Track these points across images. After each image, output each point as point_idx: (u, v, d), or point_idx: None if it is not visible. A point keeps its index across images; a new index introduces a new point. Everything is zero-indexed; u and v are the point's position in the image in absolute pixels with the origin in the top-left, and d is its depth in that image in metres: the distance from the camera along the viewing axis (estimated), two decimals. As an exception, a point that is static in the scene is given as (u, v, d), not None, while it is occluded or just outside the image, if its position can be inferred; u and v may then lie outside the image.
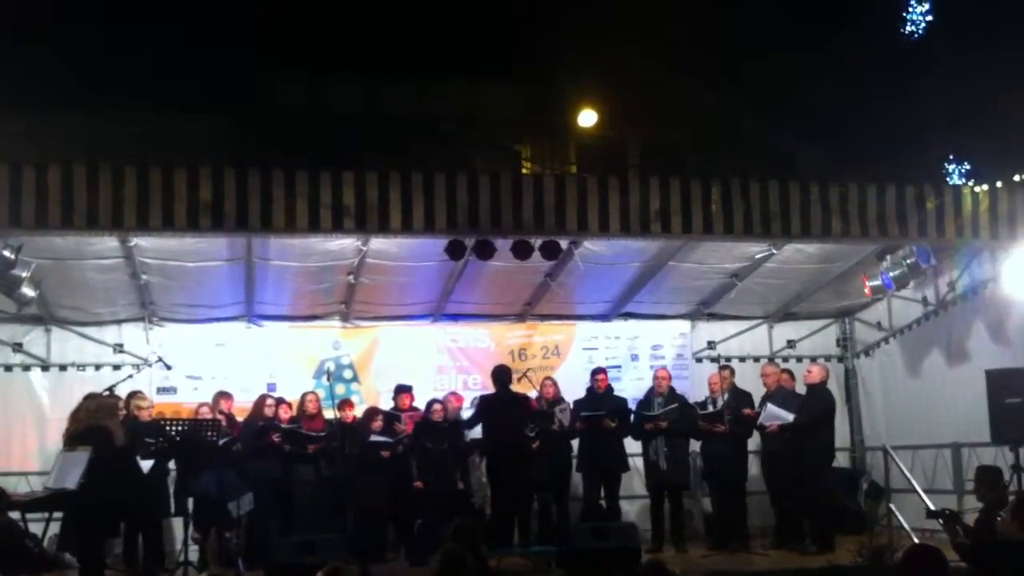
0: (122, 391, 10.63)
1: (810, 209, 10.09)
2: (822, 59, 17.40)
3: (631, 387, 12.39)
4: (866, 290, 11.52)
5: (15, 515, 8.59)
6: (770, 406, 10.68)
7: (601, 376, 11.54)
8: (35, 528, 8.82)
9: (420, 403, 11.43)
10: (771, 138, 17.66)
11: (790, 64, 17.64)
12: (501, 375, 10.94)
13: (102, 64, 16.64)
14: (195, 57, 17.09)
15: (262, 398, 11.05)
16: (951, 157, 17.41)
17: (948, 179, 16.65)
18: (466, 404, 11.73)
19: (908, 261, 10.81)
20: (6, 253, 9.22)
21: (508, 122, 20.37)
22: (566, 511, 11.25)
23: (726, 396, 11.08)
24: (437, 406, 11.22)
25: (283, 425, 10.68)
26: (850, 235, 10.25)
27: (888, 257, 11.01)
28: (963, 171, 17.11)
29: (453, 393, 11.75)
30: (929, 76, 16.67)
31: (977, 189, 10.44)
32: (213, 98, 17.82)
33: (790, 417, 10.61)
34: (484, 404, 11.00)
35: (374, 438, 10.77)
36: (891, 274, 10.98)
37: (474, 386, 12.35)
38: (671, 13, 18.33)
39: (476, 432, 11.23)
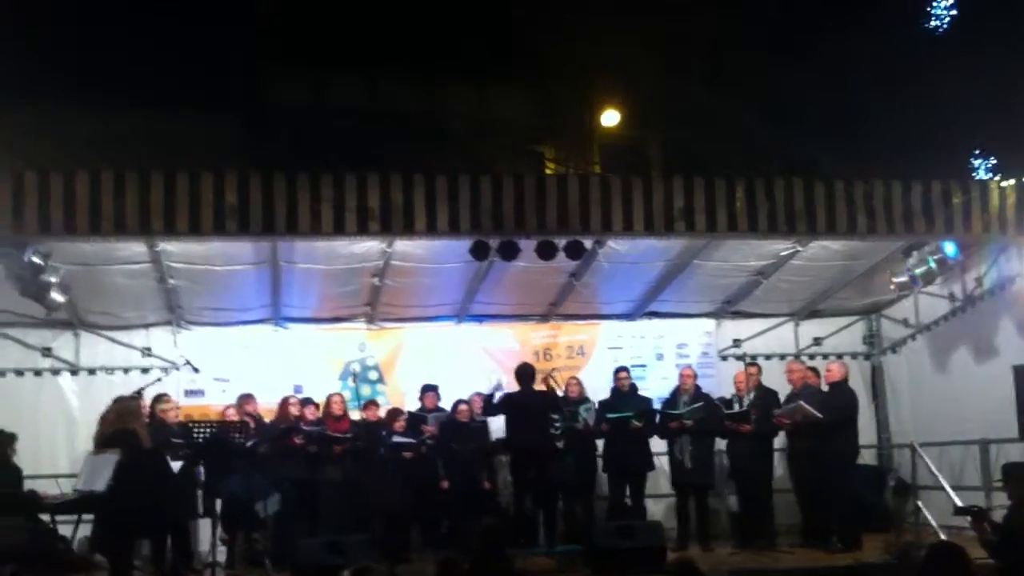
0: (151, 394, 10.73)
1: (835, 206, 10.04)
2: (846, 56, 17.33)
3: (656, 386, 12.38)
4: (892, 286, 11.47)
5: (45, 517, 8.68)
6: (802, 403, 10.62)
7: (622, 374, 11.54)
8: (64, 530, 8.91)
9: (446, 403, 11.46)
10: (795, 138, 17.58)
11: (814, 62, 17.57)
12: (524, 373, 10.93)
13: (104, 63, 16.71)
14: (199, 56, 17.16)
15: (287, 399, 11.12)
16: (977, 152, 17.32)
17: (974, 174, 16.56)
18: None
19: (935, 257, 10.75)
20: (35, 259, 9.32)
21: (530, 124, 20.39)
22: (591, 510, 11.25)
23: (752, 395, 11.04)
24: (463, 406, 11.26)
25: (306, 427, 10.73)
26: (876, 232, 10.20)
27: (915, 253, 10.96)
28: (989, 166, 17.02)
29: (478, 394, 11.76)
30: (954, 71, 16.56)
31: (1004, 184, 10.37)
32: (217, 98, 17.89)
33: (819, 414, 10.55)
34: (508, 400, 10.99)
35: (396, 439, 10.81)
36: (917, 270, 10.93)
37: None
38: (692, 15, 18.33)
39: (502, 431, 11.23)
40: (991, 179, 11.94)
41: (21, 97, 15.34)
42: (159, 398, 10.75)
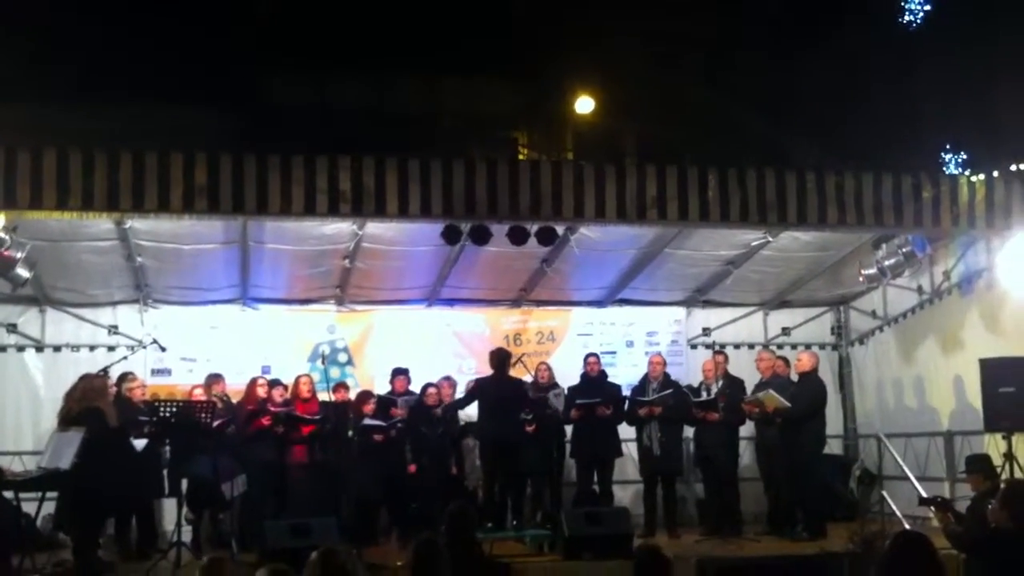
0: (117, 372, 10.63)
1: (806, 197, 10.07)
2: (819, 50, 17.40)
3: (626, 373, 12.40)
4: (861, 278, 11.54)
5: (9, 494, 8.59)
6: (771, 392, 10.68)
7: (592, 359, 11.56)
8: (28, 508, 8.83)
9: (415, 387, 11.44)
10: (767, 130, 17.65)
11: (786, 55, 17.64)
12: (500, 358, 10.90)
13: (101, 59, 16.61)
14: (195, 53, 17.08)
15: (255, 380, 11.05)
16: (947, 147, 17.43)
17: (944, 168, 16.67)
18: (459, 390, 11.71)
19: (904, 250, 10.82)
20: (1, 234, 9.20)
21: (504, 111, 20.37)
22: (559, 496, 11.28)
23: (720, 383, 11.09)
24: (431, 390, 11.23)
25: (274, 409, 10.67)
26: (846, 223, 10.24)
27: (884, 246, 11.03)
28: (959, 161, 17.14)
29: (447, 378, 11.74)
30: (926, 66, 16.68)
31: (973, 179, 10.44)
32: (212, 94, 17.81)
33: (788, 404, 10.61)
34: (478, 386, 10.99)
35: (367, 422, 10.78)
36: (886, 263, 11.00)
37: (469, 371, 12.35)
38: (670, 8, 18.36)
39: (470, 416, 11.23)
40: (961, 173, 12.01)
41: (20, 95, 15.23)
42: (125, 376, 10.64)
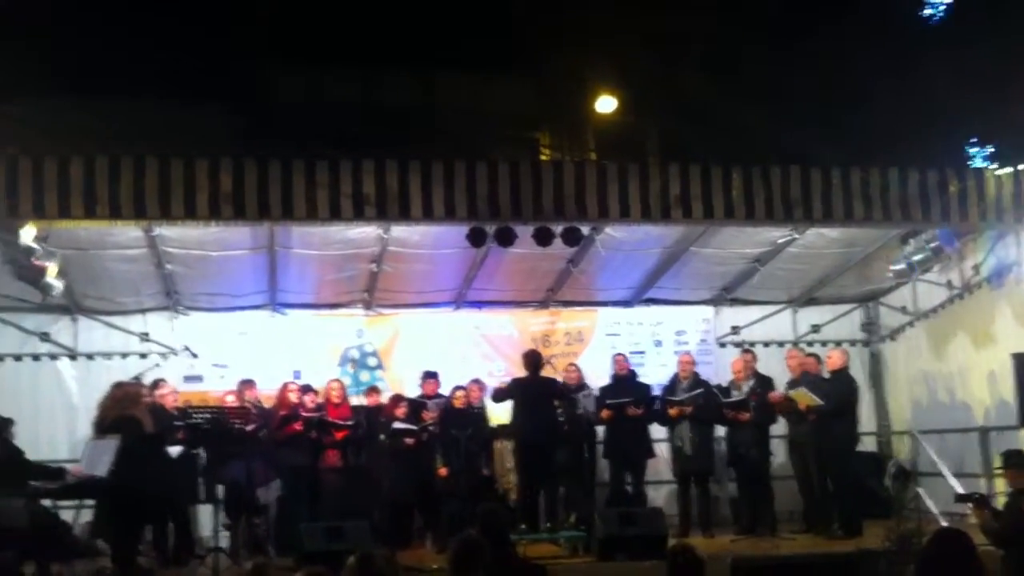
0: (149, 380, 10.71)
1: (832, 194, 10.03)
2: (844, 44, 17.30)
3: (655, 373, 12.39)
4: (890, 274, 11.47)
5: (47, 503, 8.66)
6: (804, 389, 10.63)
7: (620, 358, 11.57)
8: (66, 516, 8.90)
9: (445, 389, 11.46)
10: (792, 126, 17.56)
11: (811, 50, 17.54)
12: (533, 359, 10.93)
13: (102, 56, 16.67)
14: (197, 50, 17.12)
15: (286, 385, 11.10)
16: (973, 141, 17.30)
17: (970, 163, 16.54)
18: (488, 393, 11.72)
19: (931, 245, 10.75)
20: (31, 244, 9.28)
21: (524, 112, 20.35)
22: (593, 497, 11.26)
23: (751, 382, 11.04)
24: (459, 393, 11.24)
25: (306, 414, 10.71)
26: (872, 219, 10.19)
27: (912, 241, 10.96)
28: (986, 154, 17.01)
29: (476, 380, 11.75)
30: (950, 59, 16.55)
31: (1000, 172, 10.36)
32: (214, 91, 17.87)
33: (821, 401, 10.56)
34: (516, 384, 10.99)
35: (398, 425, 10.81)
36: (915, 258, 10.93)
37: (498, 373, 12.36)
38: (690, 4, 18.31)
39: (501, 418, 11.23)
40: (987, 167, 11.91)
41: (21, 92, 15.32)
42: (156, 383, 10.73)
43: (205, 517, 10.34)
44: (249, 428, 9.93)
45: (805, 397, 10.56)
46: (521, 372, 11.03)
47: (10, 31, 14.79)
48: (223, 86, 17.94)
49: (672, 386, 11.36)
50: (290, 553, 9.12)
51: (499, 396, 11.13)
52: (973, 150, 17.38)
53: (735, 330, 13.00)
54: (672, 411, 11.06)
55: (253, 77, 18.87)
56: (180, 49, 16.91)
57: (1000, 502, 8.03)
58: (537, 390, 10.74)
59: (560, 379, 11.34)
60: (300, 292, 12.05)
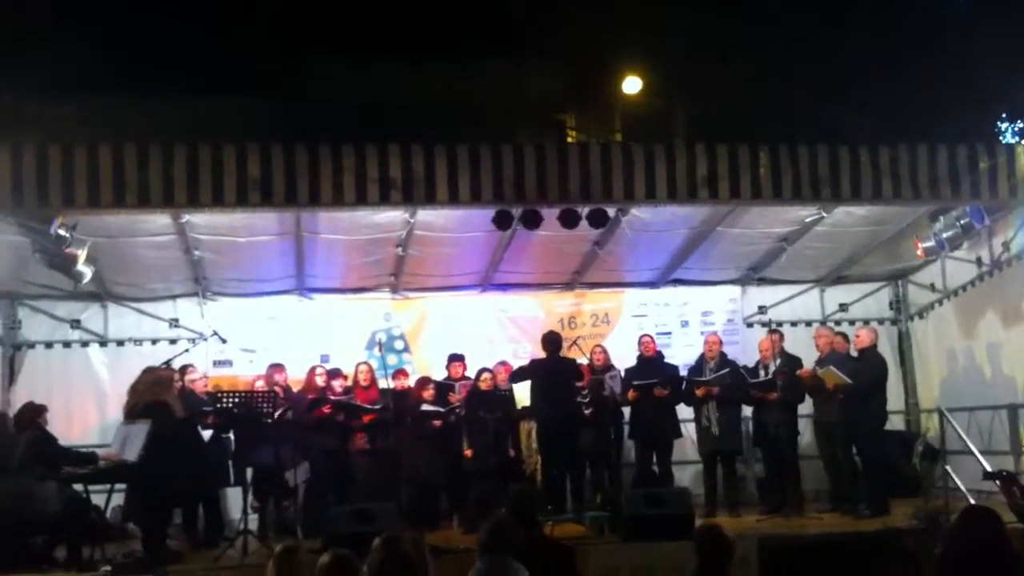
0: (178, 365, 10.81)
1: (860, 171, 9.92)
2: (871, 19, 17.15)
3: (681, 354, 12.39)
4: (919, 252, 11.39)
5: (78, 487, 8.78)
6: (832, 368, 10.59)
7: (646, 339, 11.57)
8: (97, 500, 9.02)
9: (471, 372, 11.50)
10: (821, 104, 17.43)
11: (840, 28, 17.41)
12: (553, 341, 10.97)
13: (147, 51, 16.84)
14: (240, 44, 17.24)
15: (313, 369, 11.18)
16: (1004, 116, 17.14)
17: (1001, 138, 16.39)
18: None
19: (961, 222, 10.65)
20: (61, 232, 9.37)
21: (551, 94, 20.32)
22: (619, 478, 11.28)
23: (778, 361, 11.01)
24: (486, 375, 11.27)
25: (333, 398, 10.78)
26: (901, 197, 10.08)
27: (941, 218, 10.87)
28: (1016, 130, 16.84)
29: (503, 363, 11.78)
30: (980, 34, 16.38)
31: (1030, 148, 10.24)
32: (257, 85, 17.99)
33: (849, 380, 10.51)
34: (535, 365, 11.03)
35: (425, 407, 10.86)
36: (944, 235, 10.83)
37: (524, 355, 12.37)
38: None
39: (527, 399, 11.27)
40: (1018, 143, 11.79)
41: (68, 90, 15.48)
42: (185, 369, 10.84)
43: (235, 500, 10.44)
44: (277, 413, 10.00)
45: (833, 376, 10.52)
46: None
47: (63, 30, 14.98)
48: (266, 79, 18.11)
49: (699, 366, 11.34)
50: (318, 535, 9.20)
51: (516, 377, 11.17)
52: (1003, 125, 17.21)
53: (762, 310, 12.95)
54: (699, 391, 11.05)
55: (294, 69, 19.01)
56: (225, 42, 17.07)
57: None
58: (557, 372, 10.76)
59: (585, 361, 11.35)
60: (327, 277, 12.11)
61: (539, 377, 10.86)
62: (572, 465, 10.94)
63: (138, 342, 12.03)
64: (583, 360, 11.38)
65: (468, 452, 10.96)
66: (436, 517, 10.90)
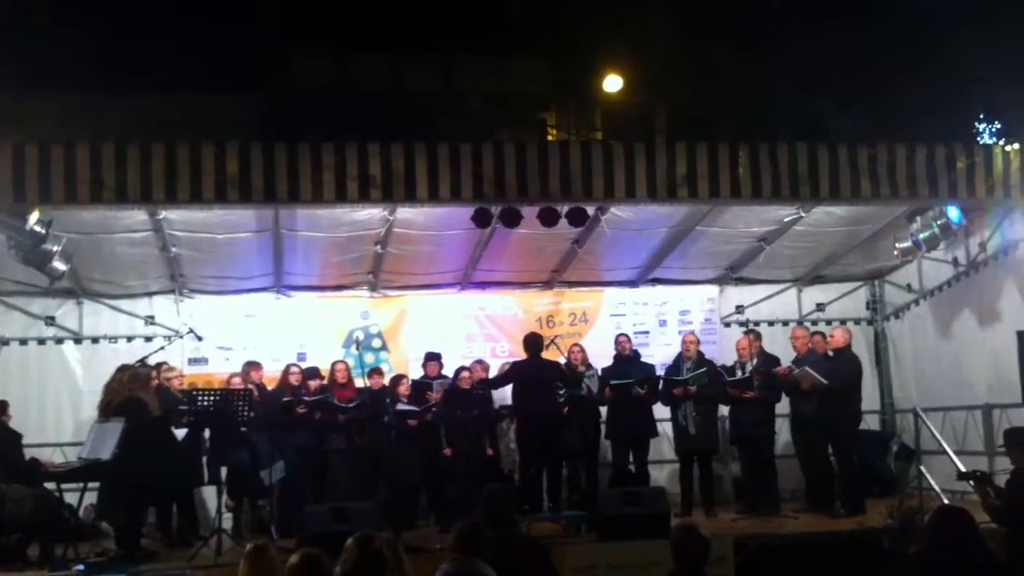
0: (154, 362, 10.74)
1: (839, 171, 9.95)
2: (850, 17, 17.21)
3: (659, 352, 12.40)
4: (896, 252, 11.43)
5: (51, 486, 8.72)
6: (807, 369, 10.64)
7: (622, 339, 11.57)
8: (70, 498, 8.96)
9: (449, 371, 11.48)
10: (800, 103, 17.48)
11: (818, 26, 17.46)
12: (533, 342, 10.97)
13: (128, 47, 16.77)
14: (221, 38, 17.17)
15: (288, 368, 11.13)
16: (982, 116, 17.22)
17: (979, 138, 16.47)
18: (493, 372, 11.74)
19: (939, 222, 10.69)
20: (36, 228, 9.30)
21: (533, 92, 20.31)
22: (595, 477, 11.29)
23: (755, 361, 11.04)
24: (464, 373, 11.26)
25: (309, 397, 10.73)
26: (880, 196, 10.11)
27: (918, 218, 10.91)
28: (994, 130, 16.93)
29: (479, 361, 11.77)
30: (959, 35, 16.45)
31: (1008, 148, 10.28)
32: (239, 79, 17.92)
33: (824, 380, 10.55)
34: (515, 369, 11.03)
35: (401, 407, 10.83)
36: (921, 235, 10.88)
37: (502, 353, 12.40)
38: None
39: (506, 399, 11.27)
40: (996, 143, 11.83)
41: (48, 88, 15.39)
42: (161, 366, 10.77)
43: (209, 499, 10.38)
44: (252, 413, 9.94)
45: (808, 377, 10.56)
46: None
47: (42, 28, 14.88)
48: (250, 74, 18.03)
49: (676, 365, 11.35)
50: (294, 535, 9.16)
51: (497, 382, 11.18)
52: (981, 125, 17.29)
53: (740, 309, 12.99)
54: (677, 391, 11.06)
55: (273, 63, 18.94)
56: (205, 37, 17.00)
57: (1002, 480, 8.01)
58: (538, 373, 10.76)
59: (564, 360, 11.35)
60: (305, 274, 12.06)
61: (520, 378, 10.84)
62: (550, 464, 10.93)
63: (113, 339, 11.94)
64: (560, 359, 11.38)
65: (447, 451, 10.93)
66: (414, 516, 10.87)
